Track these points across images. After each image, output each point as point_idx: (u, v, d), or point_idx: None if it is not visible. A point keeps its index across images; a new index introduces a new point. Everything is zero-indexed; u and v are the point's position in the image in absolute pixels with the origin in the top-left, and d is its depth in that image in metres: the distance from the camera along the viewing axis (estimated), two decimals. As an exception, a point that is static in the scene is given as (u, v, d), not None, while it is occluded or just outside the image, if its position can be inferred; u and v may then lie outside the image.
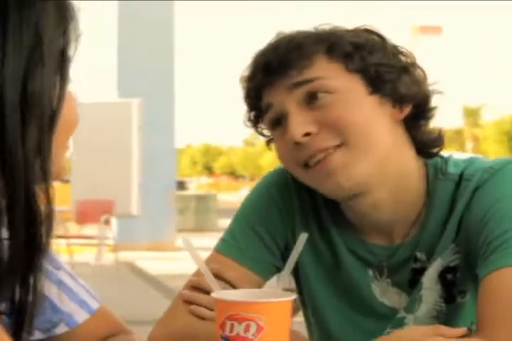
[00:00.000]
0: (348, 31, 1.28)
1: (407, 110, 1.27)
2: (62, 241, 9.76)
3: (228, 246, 1.34)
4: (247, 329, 0.98)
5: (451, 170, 1.30)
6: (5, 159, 0.78)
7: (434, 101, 1.31)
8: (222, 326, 0.99)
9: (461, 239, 1.25)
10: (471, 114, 55.47)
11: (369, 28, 1.29)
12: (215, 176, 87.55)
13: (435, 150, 1.32)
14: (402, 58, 1.28)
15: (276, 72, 1.23)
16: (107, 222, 9.94)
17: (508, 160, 1.26)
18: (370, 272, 1.33)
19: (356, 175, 1.22)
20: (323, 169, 1.22)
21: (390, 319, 1.30)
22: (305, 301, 1.39)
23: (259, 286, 1.33)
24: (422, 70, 1.30)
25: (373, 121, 1.24)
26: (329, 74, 1.23)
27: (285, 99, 1.23)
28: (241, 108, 1.33)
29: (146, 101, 11.93)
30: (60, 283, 1.18)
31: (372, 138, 1.23)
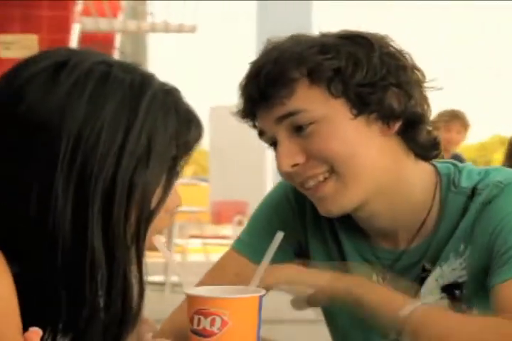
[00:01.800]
0: (338, 38, 1.25)
1: (398, 125, 1.25)
2: (198, 241, 10.03)
3: (243, 244, 1.39)
4: (212, 323, 1.03)
5: (464, 183, 1.28)
6: (108, 241, 0.91)
7: (432, 101, 1.29)
8: (191, 320, 1.04)
9: (470, 254, 1.25)
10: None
11: (357, 33, 1.26)
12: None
13: (433, 154, 1.31)
14: (393, 62, 1.24)
15: (259, 105, 1.24)
16: (240, 223, 10.13)
17: None
18: (374, 276, 1.33)
19: (347, 203, 1.24)
20: (314, 195, 1.25)
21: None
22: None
23: None
24: (419, 70, 1.28)
25: (360, 145, 1.23)
26: (311, 104, 1.22)
27: (274, 129, 1.25)
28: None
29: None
30: None
31: (359, 164, 1.23)
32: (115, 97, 0.94)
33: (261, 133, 1.28)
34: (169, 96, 0.99)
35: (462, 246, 1.25)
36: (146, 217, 0.94)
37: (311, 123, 1.21)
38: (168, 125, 0.97)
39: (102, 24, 9.80)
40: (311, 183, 1.23)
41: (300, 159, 1.23)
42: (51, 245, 0.90)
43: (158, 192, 0.97)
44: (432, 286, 1.27)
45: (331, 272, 1.20)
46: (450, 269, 1.25)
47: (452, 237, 1.26)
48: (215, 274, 1.37)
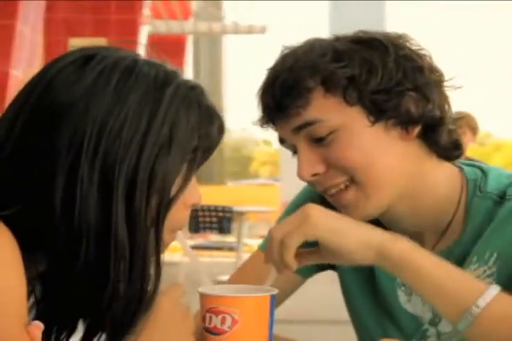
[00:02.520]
0: (352, 42, 1.22)
1: (417, 129, 1.21)
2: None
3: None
4: (223, 321, 1.04)
5: (490, 187, 1.24)
6: (131, 225, 0.95)
7: (452, 101, 1.26)
8: (204, 318, 1.06)
9: (497, 261, 1.21)
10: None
11: (372, 36, 1.23)
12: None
13: (455, 154, 1.28)
14: (409, 64, 1.21)
15: (276, 115, 1.23)
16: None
17: None
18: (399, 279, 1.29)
19: (370, 210, 1.22)
20: (337, 202, 1.24)
21: (413, 328, 1.28)
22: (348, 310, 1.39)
23: (298, 285, 1.38)
24: (437, 70, 1.25)
25: (379, 152, 1.20)
26: (327, 113, 1.19)
27: (293, 138, 1.23)
28: None
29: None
30: None
31: (379, 173, 1.20)
32: (139, 88, 0.97)
33: (281, 141, 1.27)
34: (192, 91, 1.01)
35: (488, 253, 1.21)
36: (165, 204, 0.97)
37: (329, 134, 1.19)
38: (190, 117, 0.99)
39: (173, 26, 9.94)
40: (333, 191, 1.22)
41: (320, 169, 1.21)
42: (77, 232, 0.92)
43: (178, 181, 0.99)
44: None
45: (381, 230, 1.14)
46: (473, 277, 1.17)
47: (477, 243, 1.22)
48: (241, 273, 1.38)
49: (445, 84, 1.25)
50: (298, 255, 1.12)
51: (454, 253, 1.24)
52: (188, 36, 11.00)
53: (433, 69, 1.24)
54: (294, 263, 1.12)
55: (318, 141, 1.20)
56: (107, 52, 1.01)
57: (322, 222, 1.11)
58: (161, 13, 9.47)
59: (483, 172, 1.28)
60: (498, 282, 1.17)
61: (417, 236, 1.26)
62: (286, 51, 1.24)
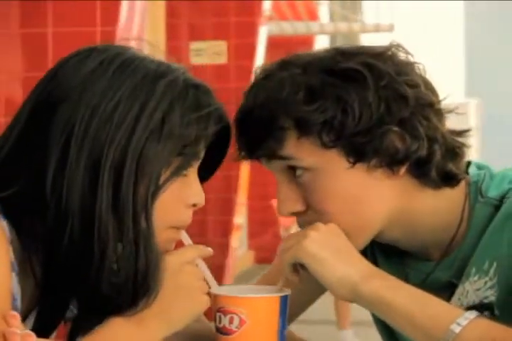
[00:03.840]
0: (326, 74, 1.09)
1: (404, 168, 1.10)
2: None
3: None
4: (231, 321, 1.05)
5: (492, 192, 1.14)
6: (118, 211, 0.97)
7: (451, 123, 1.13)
8: (214, 318, 1.07)
9: (497, 271, 1.11)
10: None
11: (348, 64, 1.09)
12: None
13: (453, 184, 1.14)
14: (392, 94, 1.08)
15: (252, 153, 1.14)
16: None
17: None
18: None
19: (354, 244, 1.12)
20: None
21: None
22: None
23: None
24: (429, 89, 1.12)
25: (361, 196, 1.11)
26: (302, 153, 1.10)
27: (269, 166, 1.14)
28: None
29: (494, 100, 11.70)
30: None
31: (360, 217, 1.11)
32: (135, 77, 1.00)
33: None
34: (193, 89, 1.03)
35: (487, 263, 1.11)
36: (152, 192, 0.98)
37: (305, 170, 1.10)
38: (185, 111, 1.00)
39: (300, 27, 9.97)
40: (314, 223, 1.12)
41: (300, 207, 1.12)
42: (63, 213, 0.96)
43: (167, 172, 1.00)
44: (455, 305, 1.12)
45: (365, 263, 1.08)
46: (473, 289, 1.11)
47: (475, 253, 1.13)
48: (268, 274, 1.36)
49: (438, 105, 1.13)
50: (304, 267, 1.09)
51: (453, 265, 1.16)
52: (316, 37, 11.00)
53: (420, 94, 1.10)
54: (293, 277, 1.09)
55: (295, 175, 1.12)
56: (113, 47, 1.06)
57: (311, 248, 1.07)
58: (286, 14, 9.52)
59: (490, 174, 1.17)
60: (500, 294, 1.10)
61: (422, 250, 1.19)
62: (258, 79, 1.15)
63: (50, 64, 1.06)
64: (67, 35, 3.14)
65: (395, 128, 1.08)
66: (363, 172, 1.10)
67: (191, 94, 1.03)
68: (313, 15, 10.84)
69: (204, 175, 1.09)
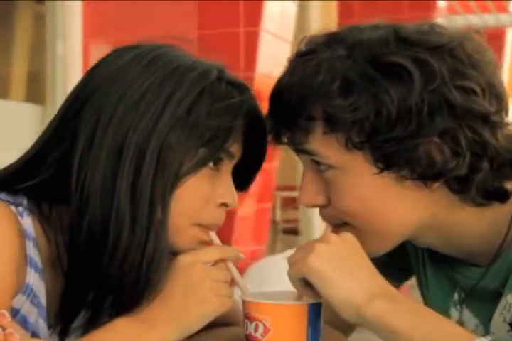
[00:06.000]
0: (370, 65, 0.98)
1: (438, 185, 0.98)
2: None
3: None
4: (256, 329, 0.99)
5: None
6: (135, 197, 0.96)
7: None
8: (242, 324, 1.02)
9: None
10: None
11: (398, 59, 0.96)
12: None
13: (504, 199, 1.02)
14: (437, 101, 0.95)
15: (274, 137, 1.07)
16: None
17: None
18: (456, 296, 1.13)
19: (374, 250, 1.03)
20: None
21: None
22: None
23: None
24: (497, 95, 0.98)
25: (385, 204, 1.00)
26: (326, 150, 1.01)
27: (296, 154, 1.07)
28: None
29: None
30: None
31: (381, 223, 1.01)
32: (167, 69, 1.00)
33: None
34: (226, 83, 1.01)
35: None
36: (172, 182, 0.97)
37: (329, 167, 1.01)
38: (214, 102, 0.99)
39: (489, 20, 9.57)
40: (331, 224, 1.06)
41: (321, 201, 1.04)
42: (85, 197, 0.96)
43: (189, 164, 0.98)
44: (498, 320, 1.04)
45: (374, 279, 0.96)
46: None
47: None
48: None
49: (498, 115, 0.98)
50: None
51: (499, 274, 1.04)
52: (507, 30, 10.54)
53: (472, 103, 0.96)
54: (306, 292, 0.99)
55: (322, 171, 1.04)
56: (154, 45, 1.06)
57: (315, 264, 0.96)
58: (471, 7, 9.18)
59: None
60: None
61: (468, 257, 1.08)
62: (301, 50, 1.06)
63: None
64: (212, 37, 3.17)
65: (435, 139, 0.95)
66: (392, 179, 0.99)
67: (223, 87, 1.01)
68: (502, 7, 10.38)
69: (243, 184, 1.08)
